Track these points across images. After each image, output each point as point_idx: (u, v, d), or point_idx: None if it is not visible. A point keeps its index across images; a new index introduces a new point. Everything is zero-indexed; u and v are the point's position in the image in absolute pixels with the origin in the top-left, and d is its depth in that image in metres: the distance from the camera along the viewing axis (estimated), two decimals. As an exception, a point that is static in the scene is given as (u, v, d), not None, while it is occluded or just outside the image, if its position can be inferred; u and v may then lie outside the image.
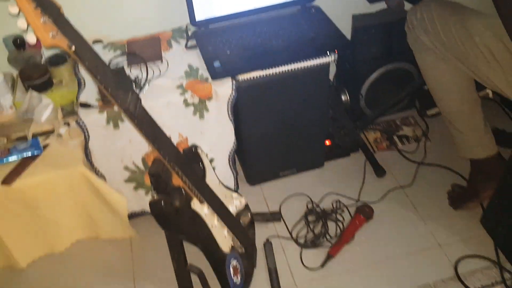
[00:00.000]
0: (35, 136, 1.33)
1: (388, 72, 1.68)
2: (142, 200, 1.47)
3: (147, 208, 1.48)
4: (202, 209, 1.15)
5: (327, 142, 1.69)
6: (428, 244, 1.42)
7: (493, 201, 1.37)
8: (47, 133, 1.34)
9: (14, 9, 0.81)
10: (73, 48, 0.85)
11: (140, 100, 0.97)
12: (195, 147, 1.22)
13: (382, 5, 1.65)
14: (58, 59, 1.44)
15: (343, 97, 1.77)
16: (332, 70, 1.80)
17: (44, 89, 1.39)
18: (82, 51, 0.86)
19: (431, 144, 1.72)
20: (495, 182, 1.33)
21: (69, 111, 1.37)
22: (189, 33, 1.47)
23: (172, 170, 1.06)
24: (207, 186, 1.19)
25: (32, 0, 0.80)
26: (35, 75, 1.37)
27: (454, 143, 1.44)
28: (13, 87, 1.42)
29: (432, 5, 1.29)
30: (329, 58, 1.37)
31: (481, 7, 1.24)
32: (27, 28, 0.83)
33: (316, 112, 1.52)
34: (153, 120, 1.00)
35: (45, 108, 1.36)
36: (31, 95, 1.36)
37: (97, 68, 0.89)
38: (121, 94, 0.93)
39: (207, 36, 1.44)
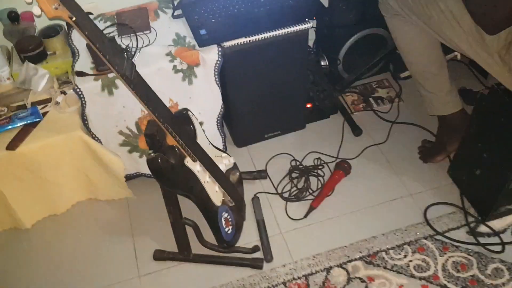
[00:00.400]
0: (34, 105, 1.41)
1: (363, 38, 1.79)
2: (136, 162, 1.57)
3: (142, 170, 1.60)
4: (195, 167, 1.26)
5: (308, 105, 1.80)
6: (401, 194, 1.56)
7: (458, 153, 1.51)
8: (45, 102, 1.42)
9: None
10: (74, 18, 0.93)
11: (135, 66, 1.06)
12: (185, 110, 1.32)
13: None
14: (50, 31, 1.52)
15: (322, 62, 1.88)
16: (312, 36, 1.89)
17: (39, 60, 1.46)
18: (82, 22, 0.94)
19: (404, 104, 1.85)
20: (460, 136, 1.47)
21: (65, 80, 1.46)
22: (175, 3, 1.55)
23: (166, 131, 1.16)
24: (199, 145, 1.29)
25: (36, -25, 0.88)
26: (30, 47, 1.45)
27: (424, 102, 1.57)
28: (9, 59, 1.49)
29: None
30: (308, 25, 1.47)
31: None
32: (32, 1, 0.91)
33: (297, 76, 1.63)
34: (147, 85, 1.09)
35: (41, 78, 1.44)
36: (27, 66, 1.44)
37: (96, 37, 0.97)
38: (117, 60, 1.02)
39: (192, 6, 1.52)
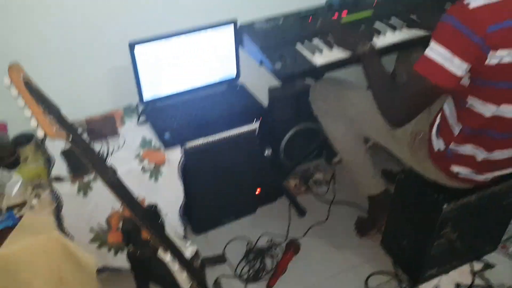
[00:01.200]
0: (9, 209, 1.51)
1: (299, 131, 2.08)
2: (105, 257, 1.68)
3: (109, 264, 1.71)
4: (166, 257, 1.41)
5: (258, 191, 2.03)
6: (344, 267, 1.78)
7: (386, 226, 1.79)
8: (20, 206, 1.53)
9: (28, 113, 1.07)
10: (71, 138, 1.12)
11: (116, 172, 1.24)
12: (155, 206, 1.49)
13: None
14: (22, 139, 1.65)
15: (267, 153, 2.14)
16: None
17: (13, 167, 1.59)
18: (76, 140, 1.13)
19: (339, 186, 2.13)
20: (386, 212, 1.76)
21: (37, 184, 1.58)
22: (139, 111, 1.76)
23: (142, 226, 1.32)
24: (168, 237, 1.45)
25: (41, 106, 1.07)
26: (4, 155, 1.57)
27: (354, 184, 1.86)
28: (-17, 167, 1.60)
29: (327, 82, 1.73)
30: (255, 125, 1.74)
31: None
32: (37, 125, 1.09)
33: (248, 167, 1.87)
34: (126, 186, 1.27)
35: (15, 184, 1.56)
36: (1, 173, 1.56)
37: (86, 150, 1.16)
38: (103, 169, 1.20)
39: (155, 112, 1.75)
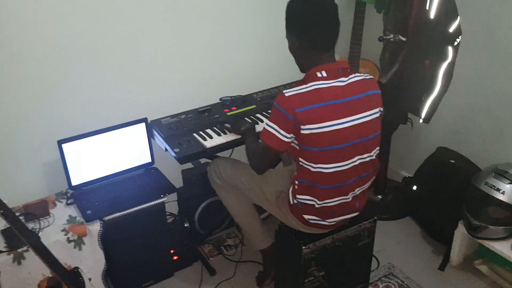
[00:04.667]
0: (-46, 280, 1.84)
1: (210, 203, 2.51)
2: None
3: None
4: (85, 309, 1.75)
5: (175, 257, 2.40)
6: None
7: (276, 276, 2.18)
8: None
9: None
10: (2, 211, 1.52)
11: (39, 237, 1.63)
12: (76, 268, 1.84)
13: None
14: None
15: (185, 224, 2.55)
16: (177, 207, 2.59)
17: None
18: (5, 213, 1.53)
19: (246, 248, 2.52)
20: (276, 262, 2.16)
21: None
22: (68, 195, 2.17)
23: (64, 284, 1.68)
24: (87, 292, 1.80)
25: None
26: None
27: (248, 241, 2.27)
28: None
29: (221, 161, 2.20)
30: (163, 199, 2.17)
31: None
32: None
33: (160, 236, 2.26)
34: (49, 250, 1.64)
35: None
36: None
37: (14, 220, 1.55)
38: (27, 233, 1.58)
39: (82, 195, 2.15)
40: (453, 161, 2.41)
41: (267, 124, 1.72)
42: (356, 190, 1.82)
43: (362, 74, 1.77)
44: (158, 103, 2.44)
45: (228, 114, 2.35)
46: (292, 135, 1.68)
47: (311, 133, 1.65)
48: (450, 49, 2.26)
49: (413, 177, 2.70)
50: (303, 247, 1.88)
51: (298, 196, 1.82)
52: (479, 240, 2.16)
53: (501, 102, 2.34)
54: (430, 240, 2.54)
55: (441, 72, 2.33)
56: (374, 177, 1.90)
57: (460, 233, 2.25)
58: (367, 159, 1.77)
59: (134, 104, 2.39)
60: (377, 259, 2.42)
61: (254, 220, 2.19)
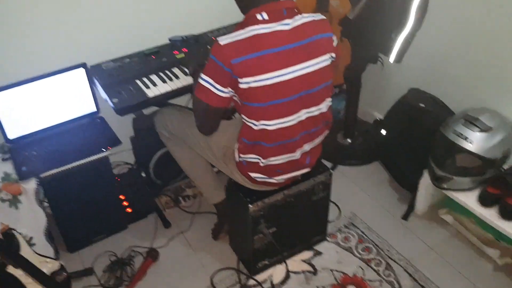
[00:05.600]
0: None
1: (165, 153, 2.36)
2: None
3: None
4: (17, 272, 1.65)
5: (129, 210, 2.29)
6: (197, 267, 2.06)
7: (231, 229, 2.08)
8: None
9: None
10: None
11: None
12: (10, 229, 1.73)
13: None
14: None
15: (142, 174, 2.42)
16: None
17: None
18: None
19: (204, 199, 2.42)
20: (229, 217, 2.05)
21: None
22: (6, 149, 2.01)
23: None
24: (20, 255, 1.70)
25: None
26: None
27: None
28: None
29: (167, 111, 2.02)
30: (106, 153, 2.01)
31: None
32: None
33: (108, 190, 2.13)
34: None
35: None
36: None
37: None
38: None
39: (19, 149, 1.99)
40: (423, 105, 2.22)
41: (201, 77, 1.52)
42: (304, 146, 1.66)
43: (311, 15, 1.54)
44: (98, 45, 2.20)
45: (178, 56, 2.14)
46: (230, 89, 1.49)
47: (249, 87, 1.46)
48: (423, -20, 2.00)
49: (383, 120, 2.53)
50: (250, 205, 1.76)
51: (242, 155, 1.66)
52: (443, 191, 2.04)
53: (478, 42, 2.10)
54: (397, 187, 2.42)
55: (414, 6, 2.08)
56: (327, 131, 1.73)
57: (425, 182, 2.12)
58: (316, 112, 1.59)
59: (72, 47, 2.16)
60: (339, 208, 2.32)
61: (206, 173, 2.05)
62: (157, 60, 2.12)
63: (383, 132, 2.48)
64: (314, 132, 1.65)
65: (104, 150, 2.01)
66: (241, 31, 1.46)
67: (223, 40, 1.45)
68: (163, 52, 2.16)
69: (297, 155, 1.66)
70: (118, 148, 2.10)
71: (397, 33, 2.15)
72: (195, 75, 1.81)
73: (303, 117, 1.57)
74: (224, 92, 1.49)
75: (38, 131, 2.05)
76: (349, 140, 2.74)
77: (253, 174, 1.70)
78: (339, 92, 2.86)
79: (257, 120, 1.53)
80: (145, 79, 2.01)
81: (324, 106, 1.61)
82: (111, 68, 2.07)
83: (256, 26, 1.45)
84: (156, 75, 2.04)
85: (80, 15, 2.14)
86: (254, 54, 1.43)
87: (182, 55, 2.14)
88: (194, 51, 2.15)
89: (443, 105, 2.26)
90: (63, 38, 2.14)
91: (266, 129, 1.55)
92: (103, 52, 2.15)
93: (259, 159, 1.64)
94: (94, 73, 2.05)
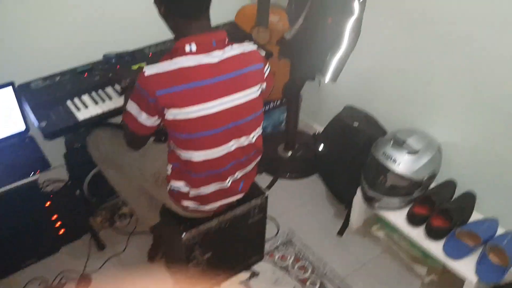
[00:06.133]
0: None
1: (98, 172, 2.30)
2: None
3: None
4: None
5: (62, 231, 2.21)
6: None
7: (165, 251, 2.06)
8: None
9: None
10: None
11: None
12: None
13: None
14: None
15: (77, 193, 2.34)
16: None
17: None
18: None
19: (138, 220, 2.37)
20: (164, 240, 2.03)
21: None
22: None
23: None
24: None
25: None
26: None
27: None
28: None
29: (99, 132, 1.96)
30: (35, 177, 1.93)
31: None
32: None
33: (39, 214, 2.05)
34: None
35: None
36: None
37: None
38: None
39: None
40: (356, 124, 2.28)
41: (128, 102, 1.49)
42: (236, 173, 1.66)
43: (242, 45, 1.54)
44: (28, 62, 2.11)
45: (110, 75, 2.07)
46: (156, 117, 1.47)
47: (175, 119, 1.44)
48: (355, 4, 2.04)
49: (320, 135, 2.58)
50: (184, 233, 1.74)
51: (172, 182, 1.64)
52: (374, 210, 2.11)
53: (410, 63, 2.18)
54: (334, 201, 2.48)
55: (347, 29, 2.12)
56: (259, 157, 1.74)
57: (359, 199, 2.19)
58: (245, 143, 1.60)
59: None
60: (277, 224, 2.35)
61: (139, 196, 1.99)
62: (89, 78, 2.05)
63: (321, 147, 2.53)
64: (245, 160, 1.65)
65: (32, 174, 1.93)
66: (168, 62, 1.43)
67: (149, 70, 1.42)
68: (97, 69, 2.09)
69: (228, 183, 1.66)
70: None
71: (332, 54, 2.18)
72: (127, 91, 1.76)
73: (232, 148, 1.57)
74: (150, 120, 1.47)
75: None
76: (289, 153, 2.77)
77: (184, 203, 1.68)
78: (281, 103, 2.88)
79: (184, 150, 1.52)
80: (76, 100, 1.94)
81: (253, 137, 1.61)
82: (40, 87, 1.98)
83: (183, 58, 1.43)
84: (88, 95, 1.97)
85: (9, 30, 2.03)
86: (179, 86, 1.42)
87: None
88: (127, 69, 2.09)
89: (376, 123, 2.33)
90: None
91: (193, 160, 1.54)
92: (33, 69, 2.06)
93: (188, 188, 1.62)
94: (22, 92, 1.96)
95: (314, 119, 2.90)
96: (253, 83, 1.53)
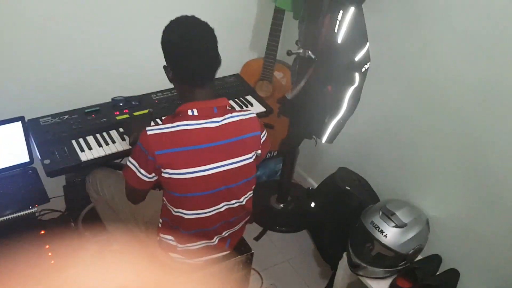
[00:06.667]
0: None
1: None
2: None
3: None
4: None
5: (52, 262, 2.26)
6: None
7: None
8: None
9: None
10: None
11: None
12: None
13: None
14: None
15: (71, 225, 2.40)
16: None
17: None
18: None
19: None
20: None
21: None
22: None
23: None
24: None
25: None
26: None
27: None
28: None
29: (99, 175, 2.04)
30: (33, 209, 2.00)
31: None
32: None
33: (35, 245, 2.10)
34: None
35: None
36: None
37: None
38: None
39: None
40: (348, 188, 2.34)
41: (128, 159, 1.58)
42: (224, 233, 1.72)
43: (241, 113, 1.62)
44: (40, 98, 2.21)
45: (118, 118, 2.16)
46: (154, 174, 1.54)
47: (170, 178, 1.52)
48: (356, 75, 2.13)
49: (313, 192, 2.64)
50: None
51: (161, 234, 1.70)
52: (358, 276, 2.14)
53: (405, 134, 2.26)
54: (320, 260, 2.52)
55: (347, 96, 2.21)
56: (248, 217, 1.80)
57: (344, 263, 2.22)
58: (235, 205, 1.66)
59: (11, 98, 2.15)
60: (261, 278, 2.38)
61: (131, 240, 2.06)
62: (96, 119, 2.13)
63: (312, 204, 2.58)
64: (234, 221, 1.72)
65: (31, 207, 2.00)
66: (170, 125, 1.52)
67: (151, 131, 1.50)
68: (104, 111, 2.18)
69: (215, 241, 1.71)
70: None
71: (330, 117, 2.26)
72: (134, 145, 1.84)
73: (222, 209, 1.63)
74: (148, 177, 1.55)
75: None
76: (281, 205, 2.83)
77: (172, 254, 1.74)
78: (278, 154, 2.95)
79: (176, 207, 1.59)
80: (81, 140, 2.02)
81: (244, 200, 1.68)
82: (48, 124, 2.07)
83: (184, 122, 1.51)
84: (93, 136, 2.05)
85: (24, 66, 2.14)
86: (178, 148, 1.50)
87: (123, 116, 2.17)
88: (137, 121, 2.14)
89: (369, 188, 2.39)
90: (2, 89, 2.13)
91: (183, 217, 1.60)
92: (44, 105, 2.16)
93: (176, 242, 1.68)
94: (31, 127, 2.05)
95: (309, 173, 2.97)
96: (249, 150, 1.61)
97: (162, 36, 1.52)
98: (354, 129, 2.40)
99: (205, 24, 1.52)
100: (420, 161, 2.21)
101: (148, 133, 1.50)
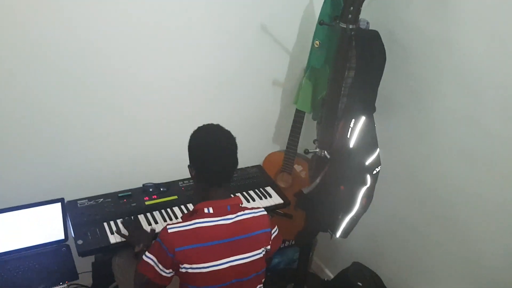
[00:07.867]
0: None
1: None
2: None
3: None
4: None
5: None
6: None
7: None
8: None
9: None
10: None
11: None
12: None
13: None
14: None
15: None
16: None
17: None
18: None
19: None
20: None
21: None
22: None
23: None
24: None
25: None
26: None
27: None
28: None
29: (123, 261, 2.20)
30: (63, 286, 2.17)
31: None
32: None
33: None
34: None
35: None
36: None
37: None
38: None
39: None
40: (360, 284, 2.42)
41: (145, 255, 1.73)
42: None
43: (253, 211, 1.79)
44: (79, 181, 2.46)
45: (147, 203, 2.37)
46: (171, 270, 1.70)
47: (187, 272, 1.67)
48: (368, 176, 2.29)
49: (328, 285, 2.71)
50: None
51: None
52: None
53: (416, 235, 2.36)
54: None
55: (360, 195, 2.35)
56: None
57: None
58: (246, 297, 1.78)
59: (52, 181, 2.40)
60: None
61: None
62: (127, 204, 2.34)
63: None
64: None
65: (61, 283, 2.17)
66: (187, 222, 1.70)
67: (172, 229, 1.68)
68: (135, 196, 2.39)
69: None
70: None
71: (344, 214, 2.40)
72: (139, 255, 1.93)
73: (233, 299, 1.76)
74: (165, 272, 1.70)
75: (6, 252, 2.22)
76: (297, 294, 2.89)
77: None
78: (295, 243, 3.06)
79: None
80: (112, 223, 2.22)
81: (254, 291, 1.80)
82: (84, 207, 2.29)
83: (201, 219, 1.69)
84: (123, 220, 2.25)
85: (67, 151, 2.41)
86: (196, 245, 1.66)
87: (151, 201, 2.38)
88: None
89: (381, 285, 2.45)
90: (44, 171, 2.38)
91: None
92: (82, 188, 2.40)
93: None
94: (69, 208, 2.27)
95: (326, 264, 3.05)
96: (259, 246, 1.76)
97: (190, 140, 1.75)
98: (368, 225, 2.51)
99: (228, 132, 1.75)
100: (431, 262, 2.29)
101: (169, 231, 1.68)
